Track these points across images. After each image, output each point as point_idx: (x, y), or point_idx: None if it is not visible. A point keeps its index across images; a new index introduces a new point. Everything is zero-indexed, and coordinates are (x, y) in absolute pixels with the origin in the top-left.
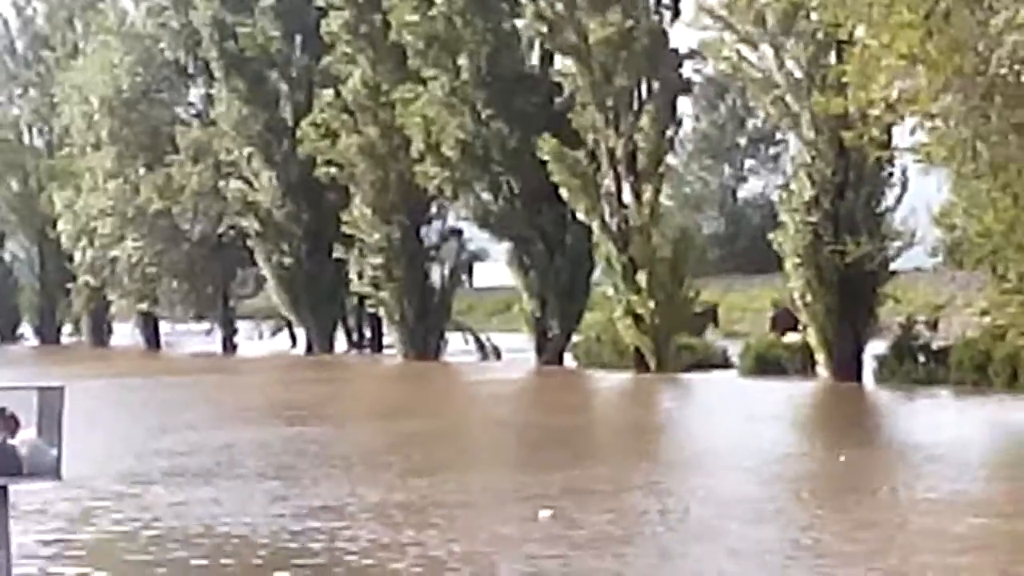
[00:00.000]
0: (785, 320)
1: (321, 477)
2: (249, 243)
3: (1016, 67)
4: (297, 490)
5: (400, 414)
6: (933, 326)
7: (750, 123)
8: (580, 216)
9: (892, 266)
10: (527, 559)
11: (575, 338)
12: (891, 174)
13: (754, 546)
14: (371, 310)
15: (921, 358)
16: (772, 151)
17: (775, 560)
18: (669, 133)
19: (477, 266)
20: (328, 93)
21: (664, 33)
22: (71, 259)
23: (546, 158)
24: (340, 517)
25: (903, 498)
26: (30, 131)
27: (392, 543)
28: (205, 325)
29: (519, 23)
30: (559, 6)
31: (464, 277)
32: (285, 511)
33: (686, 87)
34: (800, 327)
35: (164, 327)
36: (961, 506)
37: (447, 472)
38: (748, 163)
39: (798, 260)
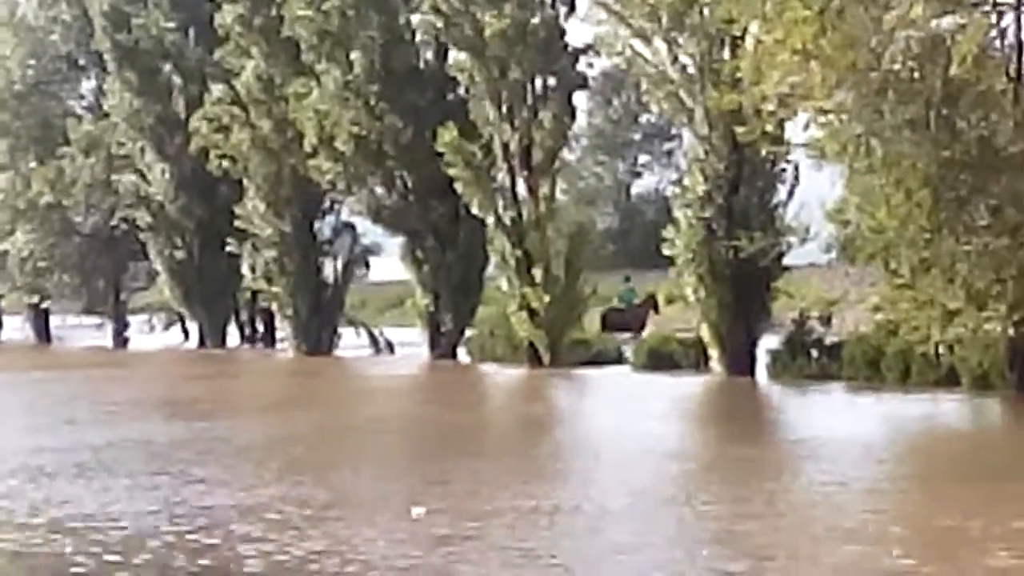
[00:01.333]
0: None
1: (200, 474)
2: (141, 237)
3: (909, 63)
4: (168, 488)
5: (288, 409)
6: (826, 321)
7: (644, 118)
8: (474, 210)
9: (785, 261)
10: (381, 558)
11: (469, 332)
12: (784, 170)
13: (630, 542)
14: (264, 304)
15: (814, 353)
16: (666, 146)
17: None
18: (564, 128)
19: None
20: (221, 87)
21: (559, 28)
22: None
23: (443, 151)
24: (207, 515)
25: (791, 492)
26: None
27: (249, 539)
28: (96, 319)
29: (413, 17)
30: (454, 0)
31: (361, 272)
32: (151, 507)
33: (581, 82)
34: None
35: (55, 321)
36: (851, 500)
37: (328, 469)
38: (642, 158)
39: (691, 256)
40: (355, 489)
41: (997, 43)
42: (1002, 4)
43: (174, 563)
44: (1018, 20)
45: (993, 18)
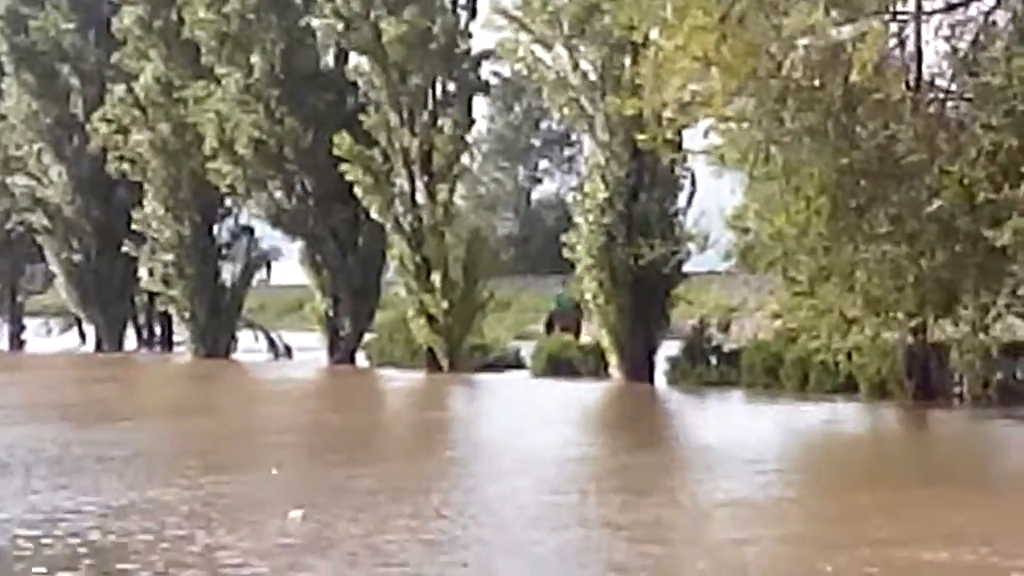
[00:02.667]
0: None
1: (80, 478)
2: (38, 239)
3: (809, 71)
4: (48, 491)
5: (181, 414)
6: (725, 328)
7: (545, 124)
8: (374, 215)
9: (685, 268)
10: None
11: (367, 337)
12: (684, 177)
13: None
14: (162, 308)
15: (713, 360)
16: (566, 152)
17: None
18: (464, 133)
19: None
20: (120, 88)
21: (460, 33)
22: None
23: (342, 155)
24: (82, 518)
25: (685, 499)
26: None
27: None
28: None
29: (314, 21)
30: (355, 4)
31: (263, 275)
32: (23, 513)
33: (482, 88)
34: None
35: None
36: (746, 507)
37: (215, 473)
38: (543, 164)
39: (591, 262)
40: (235, 493)
41: (897, 52)
42: (902, 13)
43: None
44: (917, 29)
45: (893, 27)
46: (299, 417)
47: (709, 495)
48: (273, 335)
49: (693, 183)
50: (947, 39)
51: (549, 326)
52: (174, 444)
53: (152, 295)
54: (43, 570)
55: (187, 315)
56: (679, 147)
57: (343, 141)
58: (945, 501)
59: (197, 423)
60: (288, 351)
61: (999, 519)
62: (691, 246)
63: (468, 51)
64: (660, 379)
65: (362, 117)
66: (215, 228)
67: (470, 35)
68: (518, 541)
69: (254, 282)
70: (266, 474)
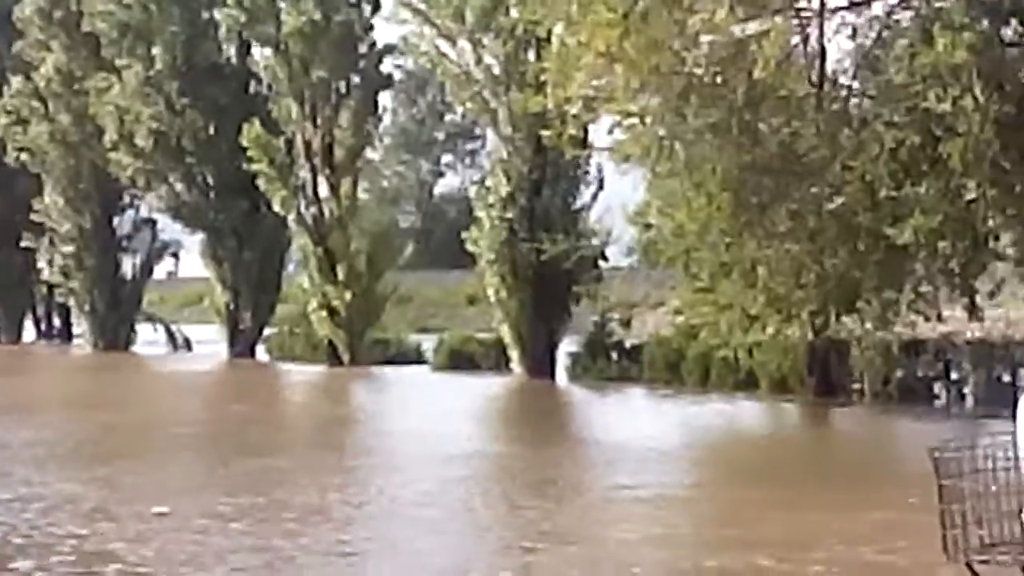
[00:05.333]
0: None
1: None
2: None
3: (712, 68)
4: None
5: (75, 407)
6: (627, 324)
7: (448, 118)
8: (276, 208)
9: (587, 264)
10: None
11: (268, 331)
12: (588, 172)
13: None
14: (61, 300)
15: (614, 356)
16: (469, 147)
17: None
18: (368, 127)
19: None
20: (19, 79)
21: (363, 26)
22: None
23: (246, 146)
24: None
25: (584, 494)
26: None
27: None
28: None
29: (217, 13)
30: None
31: (170, 268)
32: None
33: (386, 81)
34: None
35: None
36: (646, 503)
37: (98, 466)
38: (446, 158)
39: (493, 256)
40: (110, 485)
41: (800, 49)
42: (805, 11)
43: None
44: (821, 27)
45: (797, 24)
46: (196, 411)
47: (600, 491)
48: (172, 328)
49: (600, 180)
50: (850, 37)
51: None
52: (66, 437)
53: (51, 287)
54: None
55: (86, 307)
56: (583, 143)
57: (250, 129)
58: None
59: (92, 416)
60: (187, 344)
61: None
62: (594, 241)
63: (372, 44)
64: (561, 374)
65: (270, 107)
66: (115, 220)
67: (373, 28)
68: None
69: (157, 274)
70: (152, 467)
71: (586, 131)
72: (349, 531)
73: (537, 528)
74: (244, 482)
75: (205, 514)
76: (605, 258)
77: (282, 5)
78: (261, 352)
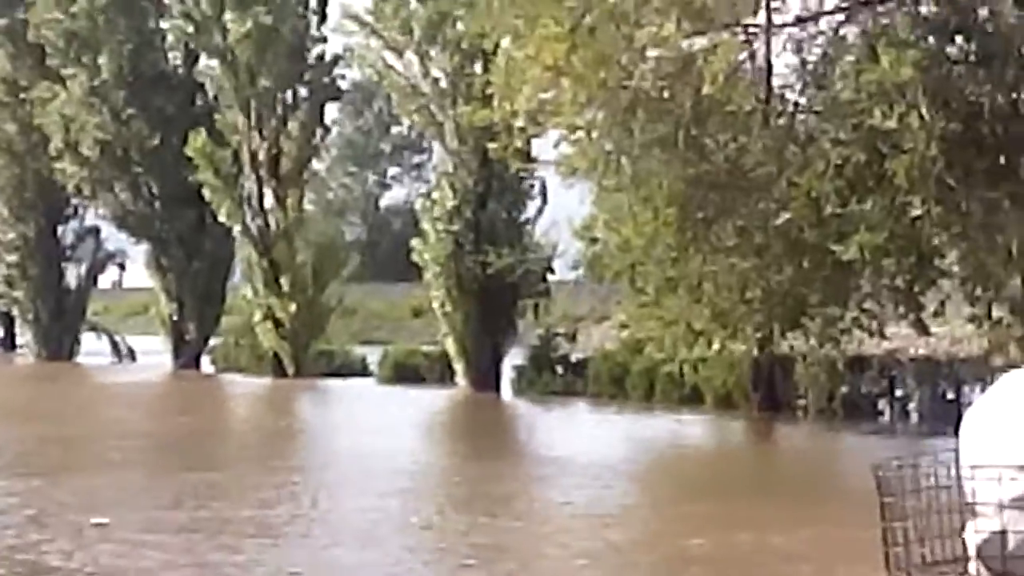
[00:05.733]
0: None
1: None
2: None
3: (660, 82)
4: None
5: (18, 417)
6: (572, 338)
7: (395, 130)
8: (222, 218)
9: (533, 278)
10: None
11: (213, 342)
12: (533, 186)
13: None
14: (4, 309)
15: (559, 370)
16: (416, 159)
17: None
18: (314, 138)
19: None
20: None
21: (310, 37)
22: None
23: (192, 156)
24: None
25: (523, 509)
26: None
27: None
28: None
29: (163, 23)
30: (205, 6)
31: (116, 278)
32: None
33: (333, 93)
34: None
35: None
36: (585, 518)
37: (31, 478)
38: (392, 170)
39: (438, 269)
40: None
41: (747, 65)
42: (752, 26)
43: None
44: (768, 42)
45: (743, 40)
46: (139, 423)
47: (538, 506)
48: (117, 338)
49: (543, 193)
50: (797, 52)
51: None
52: (3, 448)
53: None
54: None
55: (30, 317)
56: (528, 156)
57: (196, 139)
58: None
59: (32, 427)
60: (132, 354)
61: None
62: (540, 255)
63: (320, 55)
64: (507, 388)
65: (216, 117)
66: (60, 229)
67: (321, 40)
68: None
69: (102, 284)
70: (93, 478)
71: (531, 144)
72: (286, 547)
73: (474, 543)
74: (184, 496)
75: (143, 527)
76: (552, 271)
77: (228, 15)
78: (206, 363)
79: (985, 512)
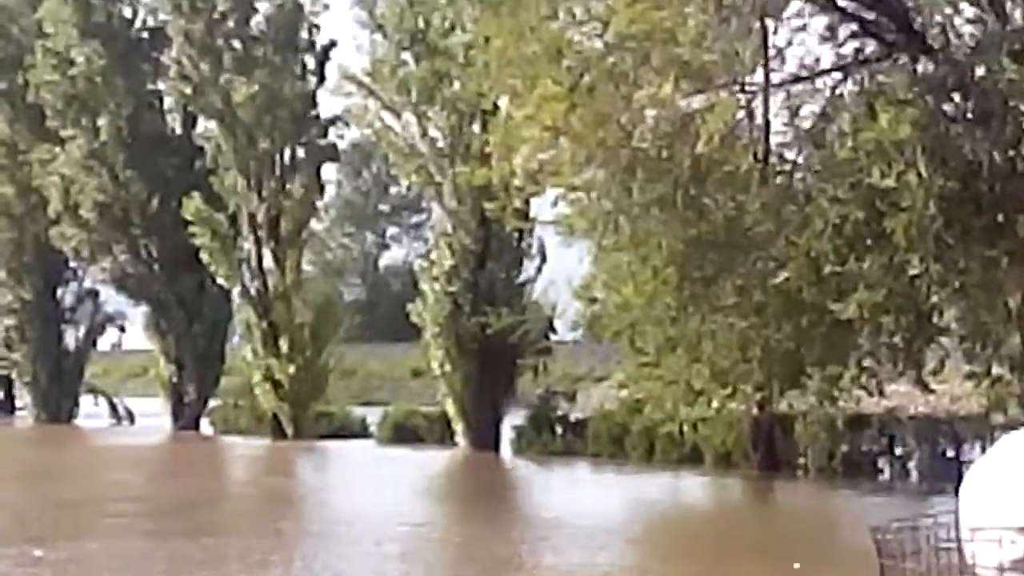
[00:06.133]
0: None
1: None
2: None
3: (658, 141)
4: None
5: (10, 480)
6: (571, 398)
7: (394, 190)
8: (220, 281)
9: (532, 338)
10: None
11: (212, 403)
12: (531, 245)
13: None
14: (3, 372)
15: (559, 429)
16: (415, 219)
17: None
18: (312, 199)
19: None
20: None
21: (309, 99)
22: None
23: (189, 218)
24: None
25: (519, 573)
26: None
27: None
28: None
29: (161, 84)
30: (204, 68)
31: (114, 340)
32: None
33: (331, 154)
34: None
35: None
36: None
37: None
38: (391, 230)
39: (437, 330)
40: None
41: (745, 124)
42: (750, 85)
43: None
44: (765, 101)
45: (741, 99)
46: (138, 486)
47: (530, 569)
48: (115, 400)
49: (542, 252)
50: (794, 111)
51: None
52: (6, 511)
53: None
54: None
55: (28, 379)
56: (527, 216)
57: (191, 203)
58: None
59: (31, 490)
60: (130, 416)
61: None
62: (539, 316)
63: (317, 117)
64: (506, 448)
65: (211, 180)
66: (59, 291)
67: (317, 102)
68: None
69: (101, 346)
70: (89, 543)
71: (530, 204)
72: None
73: None
74: (179, 562)
75: None
76: (554, 331)
77: (226, 76)
78: (205, 425)
79: (986, 575)
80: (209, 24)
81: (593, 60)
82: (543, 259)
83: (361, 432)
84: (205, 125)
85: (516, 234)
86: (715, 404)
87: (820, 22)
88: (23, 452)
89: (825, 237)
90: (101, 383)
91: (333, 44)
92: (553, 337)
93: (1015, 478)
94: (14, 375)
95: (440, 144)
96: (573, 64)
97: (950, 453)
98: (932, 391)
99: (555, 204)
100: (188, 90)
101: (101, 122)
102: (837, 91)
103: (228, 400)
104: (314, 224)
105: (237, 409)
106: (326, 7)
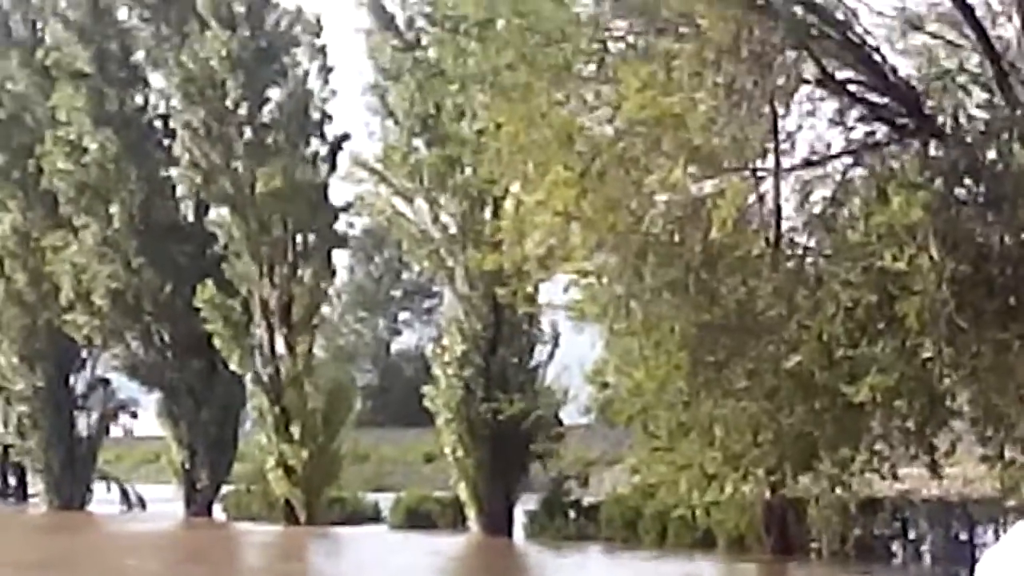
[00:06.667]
0: None
1: None
2: None
3: (669, 226)
4: None
5: (24, 568)
6: (584, 482)
7: (406, 276)
8: (233, 366)
9: (544, 423)
10: None
11: (225, 489)
12: (543, 330)
13: None
14: (16, 459)
15: (572, 514)
16: (427, 304)
17: None
18: (324, 285)
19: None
20: None
21: (321, 185)
22: None
23: (200, 306)
24: None
25: None
26: None
27: None
28: None
29: (173, 172)
30: (215, 156)
31: (127, 426)
32: None
33: (342, 240)
34: None
35: None
36: None
37: None
38: (403, 315)
39: (450, 415)
40: None
41: (756, 208)
42: (761, 170)
43: None
44: (776, 186)
45: (752, 183)
46: (153, 572)
47: None
48: (127, 487)
49: (554, 337)
50: (805, 195)
51: None
52: None
53: (6, 446)
54: None
55: (41, 466)
56: (538, 301)
57: (204, 290)
58: None
59: None
60: (142, 503)
61: None
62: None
63: (329, 203)
64: (519, 532)
65: (223, 267)
66: (71, 379)
67: (329, 188)
68: None
69: (113, 432)
70: None
71: (539, 289)
72: None
73: None
74: None
75: None
76: (559, 420)
77: (238, 164)
78: (218, 511)
79: None
80: (220, 112)
81: (604, 145)
82: (555, 344)
83: (374, 517)
84: (217, 212)
85: (528, 319)
86: (728, 488)
87: (830, 106)
88: (37, 539)
89: (837, 321)
90: (113, 470)
91: (346, 136)
92: (566, 421)
93: None
94: (27, 462)
95: (452, 229)
96: (584, 149)
97: (963, 536)
98: (942, 476)
99: (566, 289)
100: (199, 178)
101: (113, 209)
102: (848, 175)
103: (241, 486)
104: (326, 309)
105: (250, 495)
106: (333, 93)
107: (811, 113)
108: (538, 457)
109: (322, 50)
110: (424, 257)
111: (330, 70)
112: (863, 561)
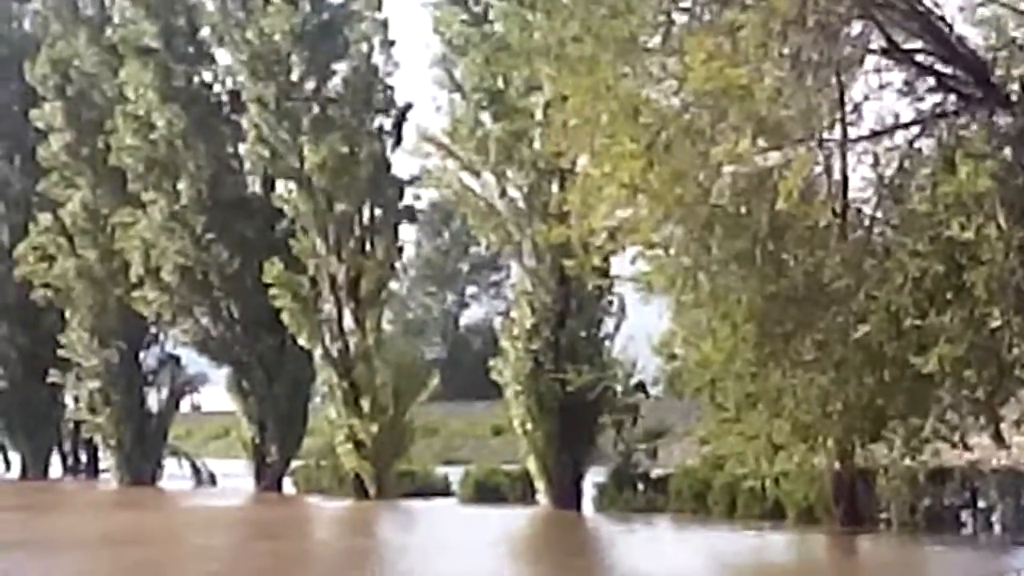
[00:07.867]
0: None
1: None
2: None
3: (736, 198)
4: None
5: (96, 543)
6: (653, 454)
7: (473, 249)
8: (302, 342)
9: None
10: None
11: (295, 464)
12: (612, 303)
13: None
14: (87, 435)
15: (640, 486)
16: (494, 277)
17: None
18: (392, 259)
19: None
20: (46, 216)
21: (386, 160)
22: None
23: (269, 282)
24: None
25: None
26: None
27: None
28: None
29: (241, 148)
30: (281, 132)
31: (195, 401)
32: None
33: (409, 214)
34: None
35: None
36: None
37: None
38: (470, 289)
39: (519, 388)
40: None
41: (823, 179)
42: (828, 140)
43: None
44: (843, 156)
45: (819, 154)
46: (224, 547)
47: None
48: (198, 462)
49: (621, 309)
50: (873, 166)
51: None
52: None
53: (78, 422)
54: None
55: (112, 442)
56: (606, 273)
57: (272, 268)
58: None
59: (123, 553)
60: (212, 478)
61: None
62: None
63: (395, 177)
64: (588, 505)
65: (291, 243)
66: (141, 355)
67: (393, 163)
68: None
69: (183, 408)
70: None
71: (609, 261)
72: None
73: None
74: None
75: None
76: (646, 393)
77: (305, 140)
78: (288, 485)
79: None
80: (285, 88)
81: (670, 117)
82: (623, 316)
83: (443, 491)
84: (284, 187)
85: (596, 291)
86: (796, 459)
87: (898, 77)
88: (110, 515)
89: (905, 291)
90: (183, 445)
91: (410, 106)
92: (636, 394)
93: None
94: (98, 438)
95: (519, 203)
96: (650, 122)
97: None
98: (1008, 446)
99: (634, 261)
100: (266, 153)
101: (181, 185)
102: (915, 145)
103: (310, 460)
104: (393, 284)
105: (320, 469)
106: (396, 66)
107: (879, 86)
108: (615, 427)
109: (384, 24)
110: (491, 231)
111: (392, 43)
112: (933, 531)
